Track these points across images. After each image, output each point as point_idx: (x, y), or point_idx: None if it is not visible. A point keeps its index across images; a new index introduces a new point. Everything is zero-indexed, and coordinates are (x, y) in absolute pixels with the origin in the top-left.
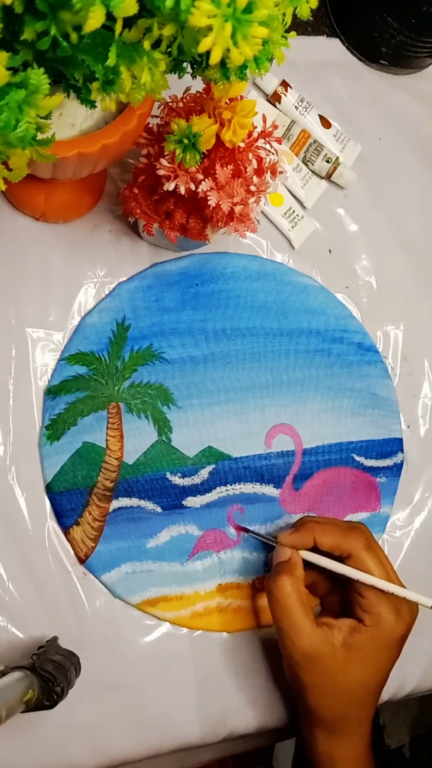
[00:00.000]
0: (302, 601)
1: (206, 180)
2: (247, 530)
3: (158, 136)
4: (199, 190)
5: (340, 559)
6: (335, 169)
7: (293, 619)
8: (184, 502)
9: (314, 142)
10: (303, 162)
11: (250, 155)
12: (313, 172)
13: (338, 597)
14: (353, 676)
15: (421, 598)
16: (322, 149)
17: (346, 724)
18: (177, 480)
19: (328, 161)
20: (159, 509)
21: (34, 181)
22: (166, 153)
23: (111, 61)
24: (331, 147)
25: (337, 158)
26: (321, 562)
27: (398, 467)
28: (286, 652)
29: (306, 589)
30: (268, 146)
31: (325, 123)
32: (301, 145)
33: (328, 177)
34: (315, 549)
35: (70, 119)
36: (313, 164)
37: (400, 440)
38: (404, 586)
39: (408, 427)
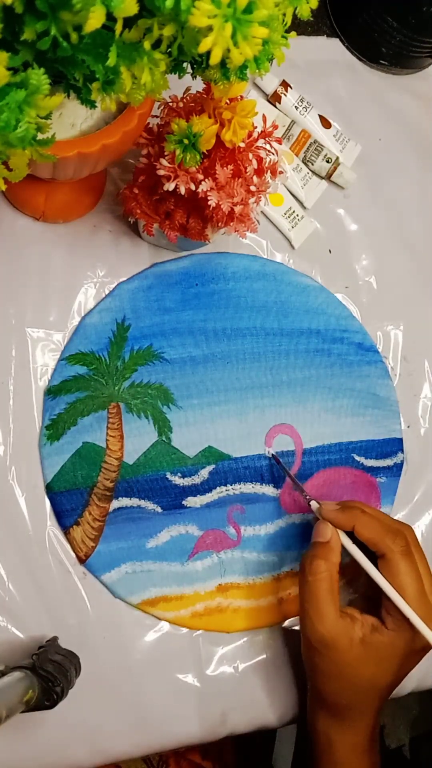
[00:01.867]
0: (332, 588)
1: (206, 180)
2: (283, 468)
3: (158, 136)
4: (199, 190)
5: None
6: (335, 169)
7: (319, 603)
8: (184, 502)
9: (314, 142)
10: (303, 162)
11: (250, 155)
12: (313, 172)
13: (369, 584)
14: (364, 672)
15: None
16: (322, 149)
17: (348, 712)
18: (177, 480)
19: (328, 161)
20: (159, 509)
21: (34, 181)
22: (166, 153)
23: (111, 61)
24: (331, 147)
25: (337, 158)
26: (356, 556)
27: (398, 467)
28: (304, 633)
29: (338, 576)
30: (268, 146)
31: (325, 123)
32: (301, 145)
33: (328, 177)
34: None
35: (71, 119)
36: (313, 164)
37: (400, 440)
38: None
39: (408, 427)
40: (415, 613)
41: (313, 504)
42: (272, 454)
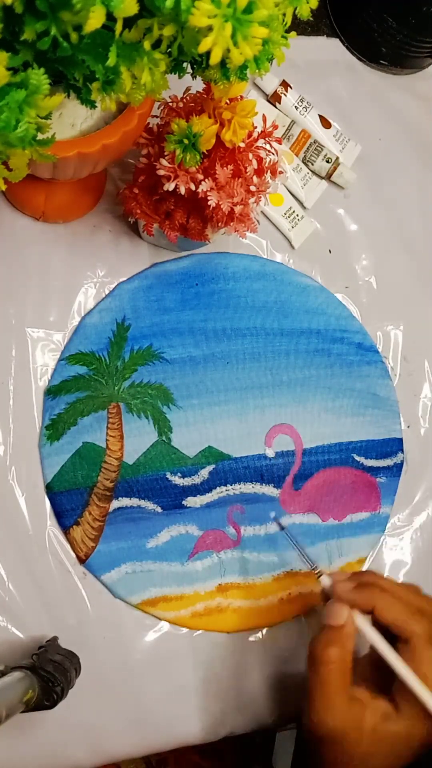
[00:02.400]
0: (343, 678)
1: (206, 180)
2: (291, 539)
3: (158, 136)
4: (199, 190)
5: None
6: (335, 169)
7: (328, 694)
8: (184, 502)
9: (314, 142)
10: (303, 162)
11: (250, 155)
12: (313, 172)
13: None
14: (374, 763)
15: None
16: (322, 149)
17: None
18: (177, 480)
19: (328, 161)
20: (159, 509)
21: (34, 181)
22: (166, 153)
23: (111, 61)
24: (331, 147)
25: (337, 158)
26: (374, 641)
27: (398, 467)
28: (311, 722)
29: (351, 663)
30: (268, 146)
31: (325, 123)
32: (301, 145)
33: (328, 177)
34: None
35: (70, 119)
36: (313, 164)
37: (400, 440)
38: None
39: (408, 427)
40: None
41: (324, 580)
42: (278, 522)
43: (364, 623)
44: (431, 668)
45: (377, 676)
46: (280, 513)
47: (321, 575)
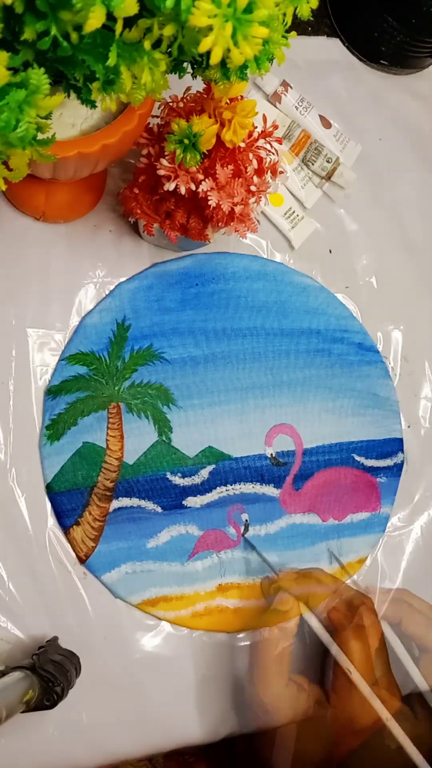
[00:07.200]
0: (281, 659)
1: (206, 180)
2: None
3: (158, 136)
4: (200, 190)
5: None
6: (335, 169)
7: (265, 670)
8: (184, 502)
9: (314, 142)
10: (303, 162)
11: (251, 155)
12: (313, 172)
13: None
14: (300, 744)
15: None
16: (322, 149)
17: None
18: (177, 480)
19: (328, 161)
20: (159, 509)
21: (34, 181)
22: (166, 153)
23: (111, 61)
24: (332, 147)
25: (338, 158)
26: (314, 626)
27: (398, 467)
28: (247, 697)
29: (290, 649)
30: (268, 146)
31: (326, 123)
32: (301, 145)
33: (328, 177)
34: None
35: (71, 119)
36: (313, 164)
37: (401, 440)
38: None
39: (408, 427)
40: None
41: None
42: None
43: (306, 611)
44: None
45: (315, 673)
46: (280, 513)
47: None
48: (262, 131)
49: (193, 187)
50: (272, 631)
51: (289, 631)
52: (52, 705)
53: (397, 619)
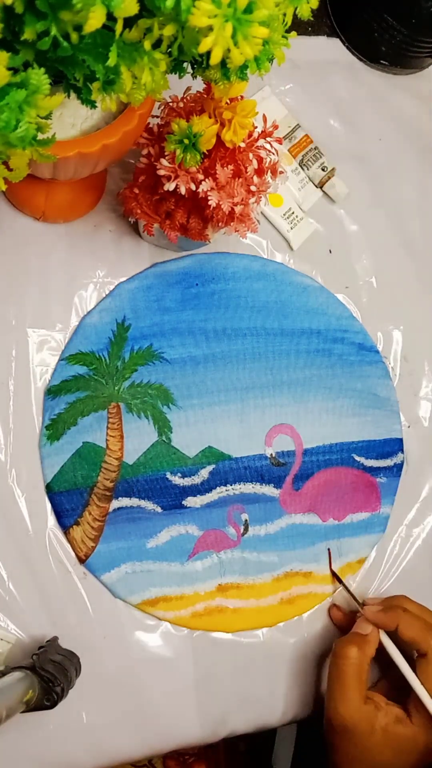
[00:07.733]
0: (359, 676)
1: (207, 180)
2: (341, 581)
3: (159, 136)
4: (200, 190)
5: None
6: (329, 178)
7: (345, 687)
8: (184, 502)
9: (314, 148)
10: (300, 165)
11: (251, 155)
12: (308, 177)
13: (401, 676)
14: (382, 758)
15: None
16: (320, 156)
17: None
18: (177, 480)
19: (323, 169)
20: (159, 509)
21: (34, 181)
22: (166, 153)
23: (111, 61)
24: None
25: (333, 169)
26: (392, 654)
27: (398, 467)
28: (327, 713)
29: (368, 668)
30: (268, 146)
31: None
32: (300, 148)
33: (321, 185)
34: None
35: (71, 119)
36: (308, 169)
37: (401, 440)
38: None
39: (408, 426)
40: None
41: (367, 609)
42: (334, 572)
43: (387, 641)
44: None
45: (394, 694)
46: (280, 513)
47: (363, 605)
48: (262, 131)
49: (193, 187)
50: (351, 649)
51: (367, 652)
52: (52, 705)
53: (394, 625)
